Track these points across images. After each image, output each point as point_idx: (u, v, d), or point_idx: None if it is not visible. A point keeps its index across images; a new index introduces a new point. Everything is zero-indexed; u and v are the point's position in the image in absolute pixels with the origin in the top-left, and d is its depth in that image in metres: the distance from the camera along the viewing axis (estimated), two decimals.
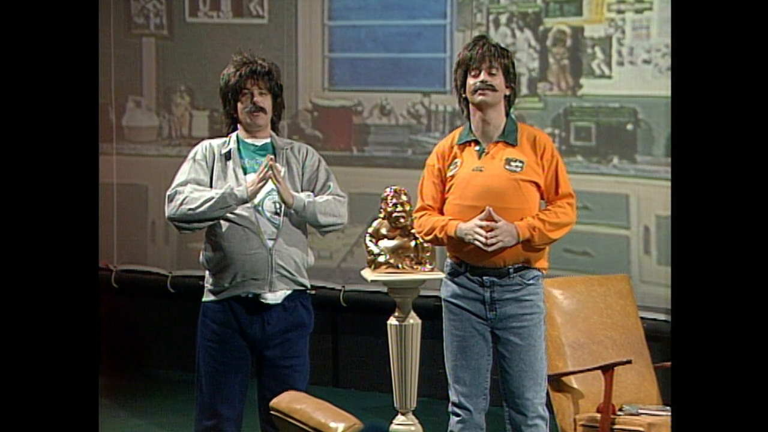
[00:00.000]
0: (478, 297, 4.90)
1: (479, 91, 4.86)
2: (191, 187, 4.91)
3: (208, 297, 5.00)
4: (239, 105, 4.97)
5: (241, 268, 4.89)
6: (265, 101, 4.97)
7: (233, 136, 5.03)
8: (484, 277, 4.88)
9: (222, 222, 4.91)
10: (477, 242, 4.79)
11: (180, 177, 4.97)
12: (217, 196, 4.85)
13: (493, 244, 4.78)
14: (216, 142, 5.03)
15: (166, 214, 4.95)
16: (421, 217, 5.02)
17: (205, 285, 5.02)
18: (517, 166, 4.85)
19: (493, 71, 4.86)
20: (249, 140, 5.01)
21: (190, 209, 4.86)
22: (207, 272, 5.01)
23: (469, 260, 4.89)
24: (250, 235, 4.90)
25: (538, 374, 4.90)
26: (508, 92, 4.92)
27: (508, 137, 4.90)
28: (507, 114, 4.95)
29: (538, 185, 4.88)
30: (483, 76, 4.85)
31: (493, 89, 4.86)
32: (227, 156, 4.97)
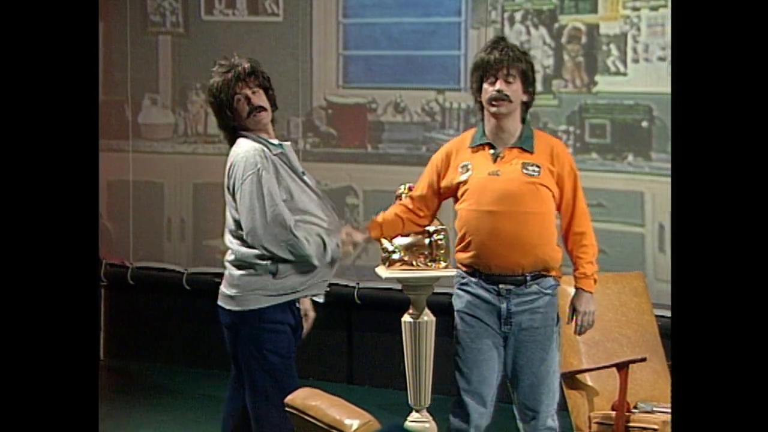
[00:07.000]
0: (494, 309, 4.82)
1: (494, 102, 4.69)
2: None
3: (268, 303, 4.76)
4: (237, 110, 4.78)
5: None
6: (261, 98, 4.82)
7: (256, 138, 4.78)
8: (500, 286, 4.80)
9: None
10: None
11: (283, 208, 4.70)
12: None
13: (587, 327, 4.93)
14: (261, 146, 4.75)
15: (270, 245, 4.69)
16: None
17: (260, 292, 4.76)
18: (534, 171, 4.73)
19: (510, 79, 4.68)
20: (271, 140, 4.83)
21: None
22: (270, 277, 4.76)
23: (481, 267, 4.81)
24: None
25: (549, 388, 4.83)
26: (525, 98, 4.75)
27: (525, 143, 4.76)
28: (523, 120, 4.79)
29: (553, 193, 4.77)
30: (499, 84, 4.67)
31: (509, 100, 4.68)
32: (282, 160, 4.78)
